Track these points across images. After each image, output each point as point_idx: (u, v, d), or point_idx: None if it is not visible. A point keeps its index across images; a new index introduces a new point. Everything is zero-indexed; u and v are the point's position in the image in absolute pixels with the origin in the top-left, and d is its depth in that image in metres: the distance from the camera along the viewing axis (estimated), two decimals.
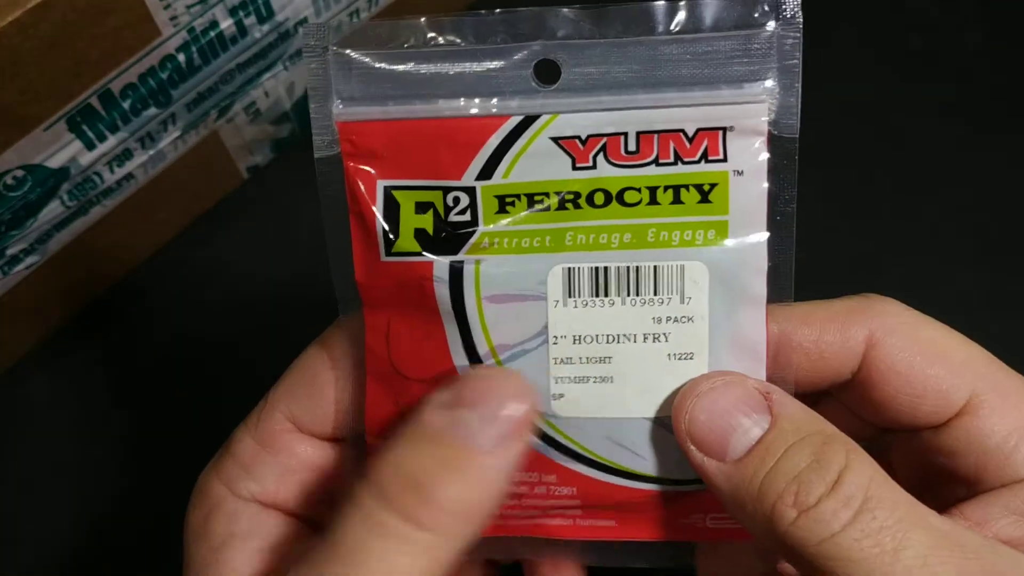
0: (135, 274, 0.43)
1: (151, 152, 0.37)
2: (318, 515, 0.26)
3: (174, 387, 0.40)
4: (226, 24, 0.35)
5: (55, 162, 0.34)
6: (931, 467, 0.25)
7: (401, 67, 0.22)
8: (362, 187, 0.23)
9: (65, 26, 0.30)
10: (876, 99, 0.45)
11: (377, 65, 0.23)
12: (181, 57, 0.35)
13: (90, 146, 0.34)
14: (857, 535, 0.20)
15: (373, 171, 0.23)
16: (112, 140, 0.35)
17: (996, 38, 0.46)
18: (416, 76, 0.22)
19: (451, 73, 0.22)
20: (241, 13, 0.35)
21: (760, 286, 0.23)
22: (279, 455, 0.25)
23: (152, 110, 0.36)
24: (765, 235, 0.23)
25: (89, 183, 0.36)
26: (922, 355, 0.24)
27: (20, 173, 0.33)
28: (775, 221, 0.23)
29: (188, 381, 0.40)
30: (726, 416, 0.22)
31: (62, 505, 0.38)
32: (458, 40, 0.22)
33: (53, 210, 0.36)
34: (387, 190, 0.23)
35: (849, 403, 0.26)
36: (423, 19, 0.22)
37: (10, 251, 0.36)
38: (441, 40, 0.22)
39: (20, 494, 0.39)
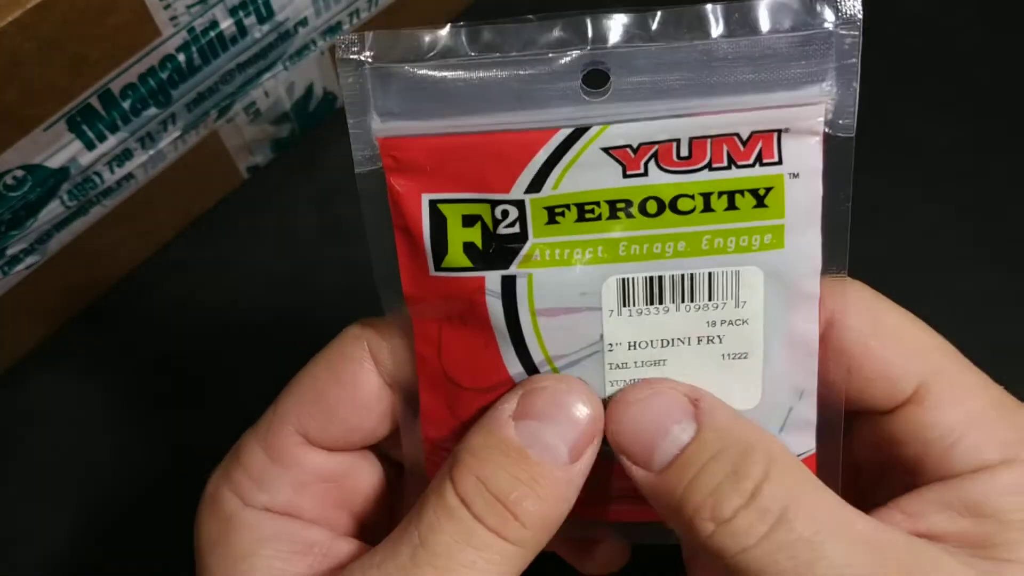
0: (135, 274, 0.43)
1: (151, 152, 0.37)
2: (335, 521, 0.26)
3: (174, 387, 0.40)
4: (226, 24, 0.35)
5: (55, 162, 0.34)
6: (883, 453, 0.25)
7: (442, 78, 0.22)
8: (407, 202, 0.23)
9: (65, 26, 0.30)
10: (876, 99, 0.45)
11: (417, 77, 0.22)
12: (181, 57, 0.35)
13: (90, 146, 0.34)
14: (772, 548, 0.20)
15: (417, 185, 0.22)
16: (112, 140, 0.35)
17: (996, 38, 0.46)
18: (458, 88, 0.22)
19: (495, 84, 0.22)
20: (241, 13, 0.35)
21: (814, 286, 0.23)
22: (290, 469, 0.25)
23: (152, 110, 0.36)
24: (819, 237, 0.22)
25: (89, 183, 0.36)
26: (877, 339, 0.24)
27: (20, 173, 0.33)
28: (830, 223, 0.22)
29: (188, 381, 0.40)
30: (652, 426, 0.22)
31: (62, 505, 0.38)
32: (501, 48, 0.21)
33: (53, 210, 0.36)
34: (432, 204, 0.22)
35: None
36: (463, 26, 0.22)
37: (10, 251, 0.36)
38: (483, 48, 0.22)
39: (20, 494, 0.39)
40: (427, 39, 0.22)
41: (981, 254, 0.41)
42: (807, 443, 0.24)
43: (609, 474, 0.25)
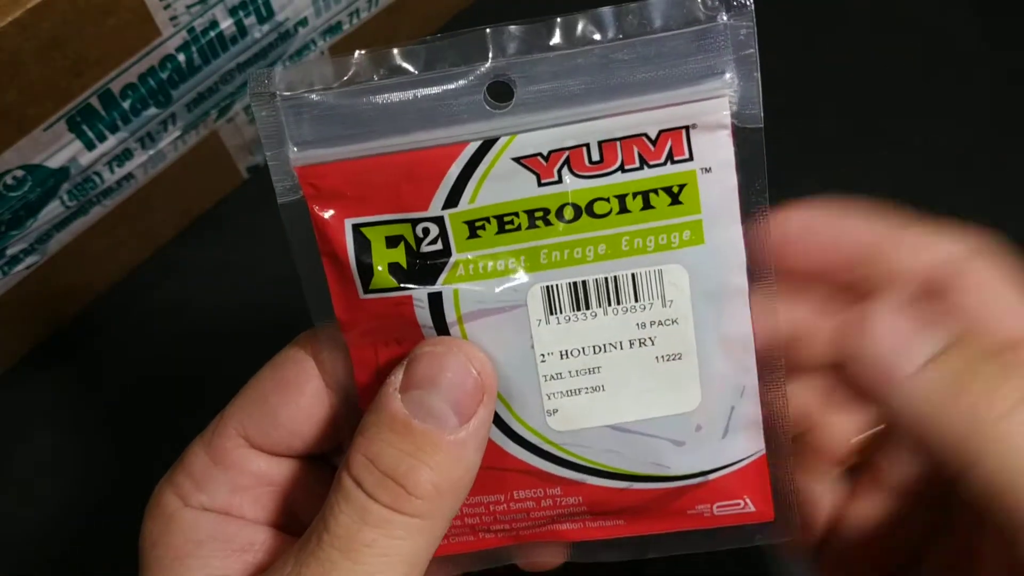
0: (135, 274, 0.43)
1: (151, 152, 0.38)
2: (273, 521, 0.26)
3: (174, 387, 0.40)
4: (226, 24, 0.35)
5: (55, 162, 0.34)
6: None
7: (352, 104, 0.22)
8: (330, 228, 0.23)
9: (65, 26, 0.30)
10: (875, 99, 0.45)
11: (327, 105, 0.22)
12: (181, 57, 0.35)
13: (90, 146, 0.35)
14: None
15: (339, 211, 0.23)
16: (112, 140, 0.35)
17: (996, 38, 0.46)
18: (368, 112, 0.22)
19: (403, 104, 0.22)
20: (241, 13, 0.35)
21: (741, 280, 0.23)
22: (230, 471, 0.25)
23: (152, 110, 0.36)
24: (740, 229, 0.22)
25: (89, 183, 0.36)
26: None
27: (20, 173, 0.33)
28: (748, 213, 0.22)
29: (188, 381, 0.40)
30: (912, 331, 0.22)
31: (62, 505, 0.38)
32: (407, 70, 0.22)
33: (53, 210, 0.36)
34: (355, 228, 0.23)
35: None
36: (365, 52, 0.22)
37: (10, 251, 0.36)
38: (389, 72, 0.22)
39: (19, 494, 0.39)
40: (335, 67, 0.22)
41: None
42: (755, 444, 0.24)
43: (560, 492, 0.25)
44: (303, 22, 0.39)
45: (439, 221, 0.22)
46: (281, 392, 0.25)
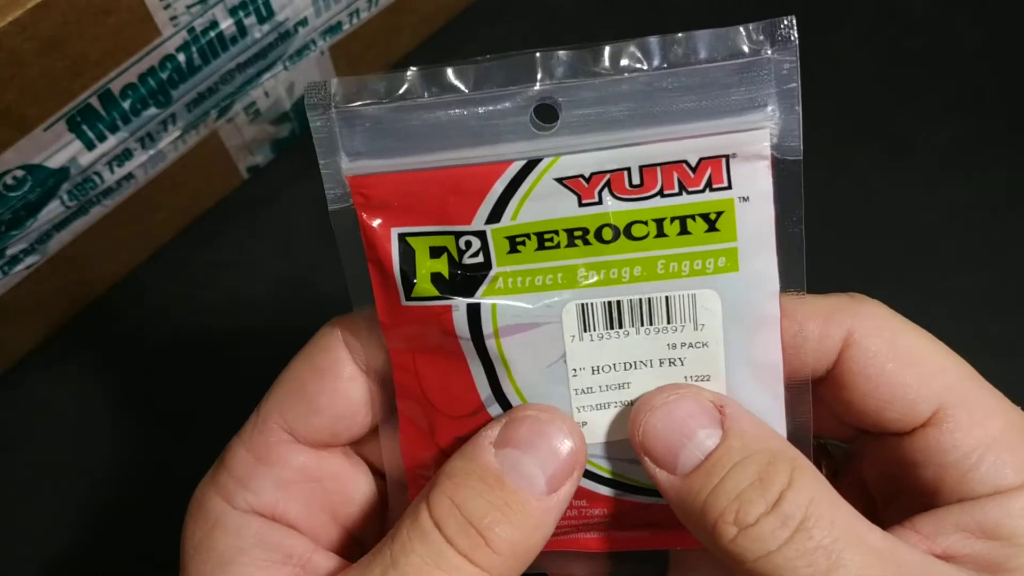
0: (135, 274, 0.43)
1: (151, 152, 0.38)
2: (318, 524, 0.26)
3: (174, 387, 0.40)
4: (226, 24, 0.35)
5: (55, 162, 0.34)
6: (896, 474, 0.25)
7: (403, 119, 0.23)
8: (377, 236, 0.24)
9: (65, 26, 0.30)
10: (875, 99, 0.45)
11: (379, 119, 0.23)
12: (181, 57, 0.35)
13: (90, 146, 0.35)
14: (792, 554, 0.20)
15: (386, 220, 0.23)
16: (112, 140, 0.35)
17: (996, 38, 0.46)
18: (418, 127, 0.23)
19: (452, 121, 0.23)
20: (241, 13, 0.35)
21: (773, 308, 0.23)
22: (275, 467, 0.25)
23: (152, 110, 0.36)
24: (775, 259, 0.23)
25: (89, 183, 0.36)
26: (895, 362, 0.24)
27: (20, 173, 0.33)
28: (784, 244, 0.23)
29: (188, 381, 0.41)
30: (678, 429, 0.22)
31: (62, 506, 0.38)
32: (456, 88, 0.23)
33: (53, 210, 0.36)
34: (401, 237, 0.23)
35: (823, 399, 0.26)
36: (418, 70, 0.23)
37: (10, 251, 0.36)
38: (440, 89, 0.23)
39: (19, 494, 0.39)
40: (389, 82, 0.23)
41: (981, 254, 0.42)
42: None
43: (599, 504, 0.25)
44: (303, 22, 0.39)
45: (482, 235, 0.23)
46: (318, 380, 0.25)
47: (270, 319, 0.42)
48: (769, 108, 0.22)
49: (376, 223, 0.23)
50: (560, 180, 0.23)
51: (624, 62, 0.22)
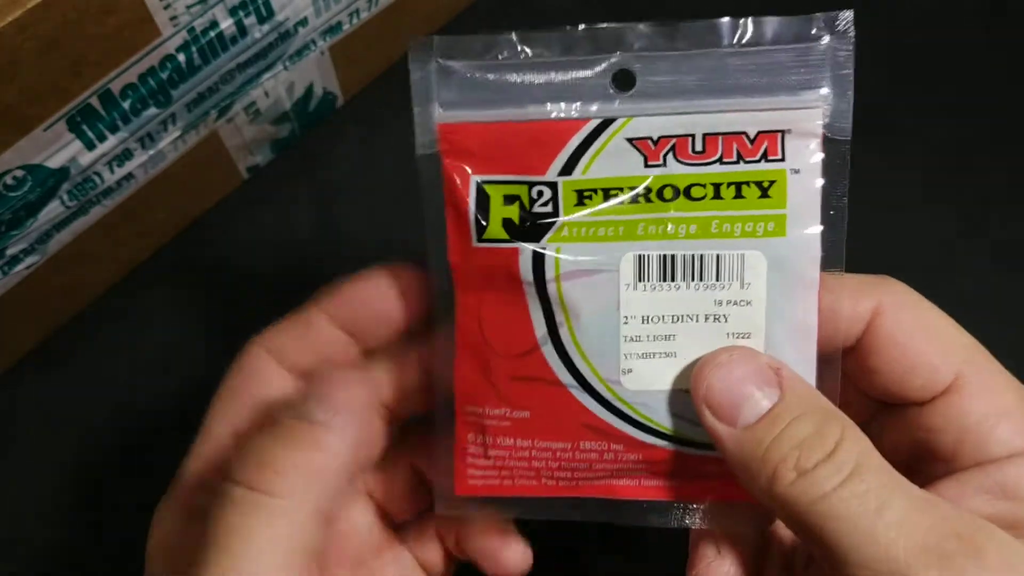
0: (135, 274, 0.43)
1: (151, 152, 0.38)
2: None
3: (174, 388, 0.40)
4: (226, 24, 0.35)
5: (55, 162, 0.34)
6: (915, 445, 0.27)
7: (494, 76, 0.25)
8: (458, 181, 0.26)
9: (65, 26, 0.30)
10: (874, 100, 0.45)
11: (474, 75, 0.25)
12: (181, 57, 0.35)
13: (90, 146, 0.34)
14: (846, 495, 0.22)
15: (468, 167, 0.26)
16: (112, 140, 0.35)
17: (996, 38, 0.46)
18: (507, 84, 0.25)
19: (538, 82, 0.25)
20: (241, 13, 0.35)
21: (814, 274, 0.25)
22: (317, 340, 0.28)
23: (152, 110, 0.36)
24: (819, 227, 0.25)
25: (89, 183, 0.36)
26: (920, 331, 0.26)
27: (20, 173, 0.33)
28: (828, 215, 0.25)
29: (188, 381, 0.40)
30: (740, 386, 0.24)
31: (62, 505, 0.38)
32: (546, 52, 0.25)
33: (53, 210, 0.36)
34: (479, 184, 0.25)
35: (849, 372, 0.27)
36: (514, 34, 0.25)
37: (10, 251, 0.36)
38: (530, 52, 0.25)
39: (20, 494, 0.39)
40: (485, 43, 0.25)
41: (981, 254, 0.42)
42: None
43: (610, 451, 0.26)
44: (303, 22, 0.39)
45: (553, 186, 0.25)
46: (369, 284, 0.28)
47: (270, 319, 0.42)
48: (823, 90, 0.24)
49: (458, 170, 0.25)
50: (631, 140, 0.25)
51: (698, 38, 0.24)
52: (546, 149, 0.25)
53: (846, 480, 0.22)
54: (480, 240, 0.26)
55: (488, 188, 0.25)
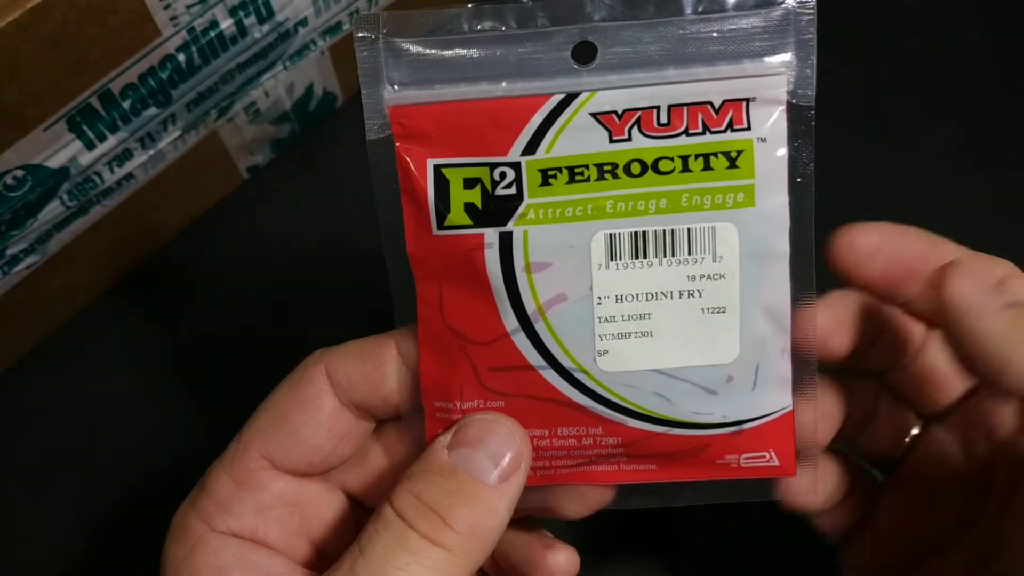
0: (135, 275, 0.43)
1: (151, 152, 0.38)
2: (296, 547, 0.27)
3: (174, 388, 0.40)
4: (226, 24, 0.35)
5: (55, 162, 0.34)
6: (1001, 432, 0.26)
7: (448, 52, 0.24)
8: (412, 166, 0.25)
9: (65, 26, 0.30)
10: (874, 100, 0.45)
11: (425, 51, 0.24)
12: (181, 57, 0.35)
13: (90, 146, 0.35)
14: None
15: (423, 150, 0.25)
16: (112, 140, 0.35)
17: (995, 38, 0.46)
18: (462, 60, 0.24)
19: (495, 56, 0.24)
20: (241, 13, 0.35)
21: (783, 243, 0.25)
22: (255, 492, 0.26)
23: (152, 110, 0.36)
24: (787, 196, 0.24)
25: (89, 183, 0.36)
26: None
27: (20, 173, 0.33)
28: (795, 183, 0.24)
29: (188, 381, 0.41)
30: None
31: (62, 506, 0.38)
32: (501, 26, 0.24)
33: (53, 210, 0.36)
34: (436, 168, 0.24)
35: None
36: (467, 7, 0.24)
37: (10, 251, 0.36)
38: (484, 26, 0.24)
39: (20, 494, 0.39)
40: (436, 18, 0.24)
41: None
42: (784, 400, 0.26)
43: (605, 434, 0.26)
44: (303, 22, 0.39)
45: (516, 167, 0.24)
46: (300, 411, 0.26)
47: (270, 319, 0.42)
48: (787, 56, 0.24)
49: (413, 153, 0.25)
50: (594, 115, 0.24)
51: (660, 7, 0.24)
52: (507, 128, 0.24)
53: None
54: (441, 228, 0.25)
55: (447, 172, 0.24)
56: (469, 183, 0.24)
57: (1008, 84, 0.45)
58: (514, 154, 0.24)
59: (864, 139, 0.44)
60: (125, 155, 0.37)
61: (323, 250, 0.43)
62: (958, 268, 0.24)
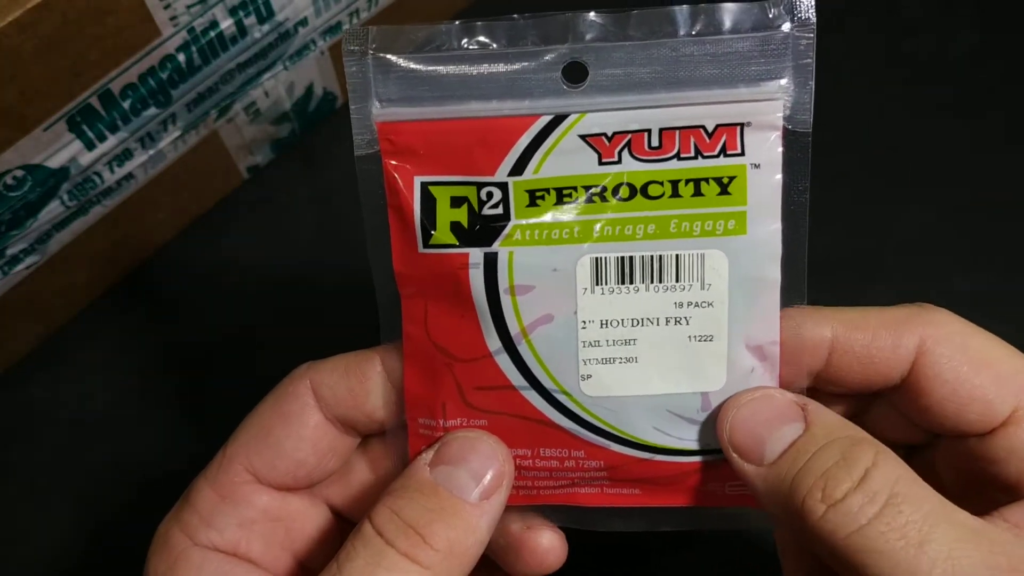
0: (135, 275, 0.43)
1: (151, 152, 0.38)
2: (279, 563, 0.27)
3: (173, 388, 0.40)
4: (226, 24, 0.35)
5: (55, 162, 0.34)
6: (975, 472, 0.25)
7: (437, 69, 0.24)
8: (400, 183, 0.24)
9: (65, 26, 0.30)
10: (873, 101, 0.45)
11: (414, 67, 0.24)
12: (181, 57, 0.35)
13: (90, 146, 0.35)
14: (883, 528, 0.20)
15: (410, 168, 0.24)
16: (112, 140, 0.35)
17: (993, 39, 0.46)
18: (451, 78, 0.24)
19: (484, 75, 0.24)
20: (241, 13, 0.35)
21: (775, 272, 0.24)
22: (238, 506, 0.26)
23: (152, 110, 0.36)
24: (780, 224, 0.24)
25: (89, 183, 0.36)
26: (969, 365, 0.24)
27: (20, 173, 0.33)
28: (789, 211, 0.24)
29: (187, 381, 0.41)
30: (764, 424, 0.23)
31: (62, 506, 0.38)
32: (491, 43, 0.23)
33: (53, 210, 0.36)
34: (424, 185, 0.24)
35: (899, 406, 0.26)
36: (457, 23, 0.23)
37: (10, 251, 0.36)
38: (475, 44, 0.23)
39: (20, 494, 0.39)
40: (425, 33, 0.24)
41: (979, 254, 0.41)
42: None
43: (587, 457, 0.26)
44: (303, 22, 0.39)
45: (503, 187, 0.24)
46: (284, 425, 0.26)
47: (270, 319, 0.42)
48: (784, 81, 0.23)
49: (400, 171, 0.24)
50: (584, 137, 0.24)
51: (652, 28, 0.23)
52: (495, 148, 0.24)
53: (882, 511, 0.21)
54: (427, 246, 0.24)
55: (434, 190, 0.24)
56: (456, 202, 0.24)
57: (1007, 84, 0.45)
58: (501, 174, 0.24)
59: (862, 140, 0.44)
60: (125, 155, 0.37)
61: (323, 250, 0.43)
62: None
